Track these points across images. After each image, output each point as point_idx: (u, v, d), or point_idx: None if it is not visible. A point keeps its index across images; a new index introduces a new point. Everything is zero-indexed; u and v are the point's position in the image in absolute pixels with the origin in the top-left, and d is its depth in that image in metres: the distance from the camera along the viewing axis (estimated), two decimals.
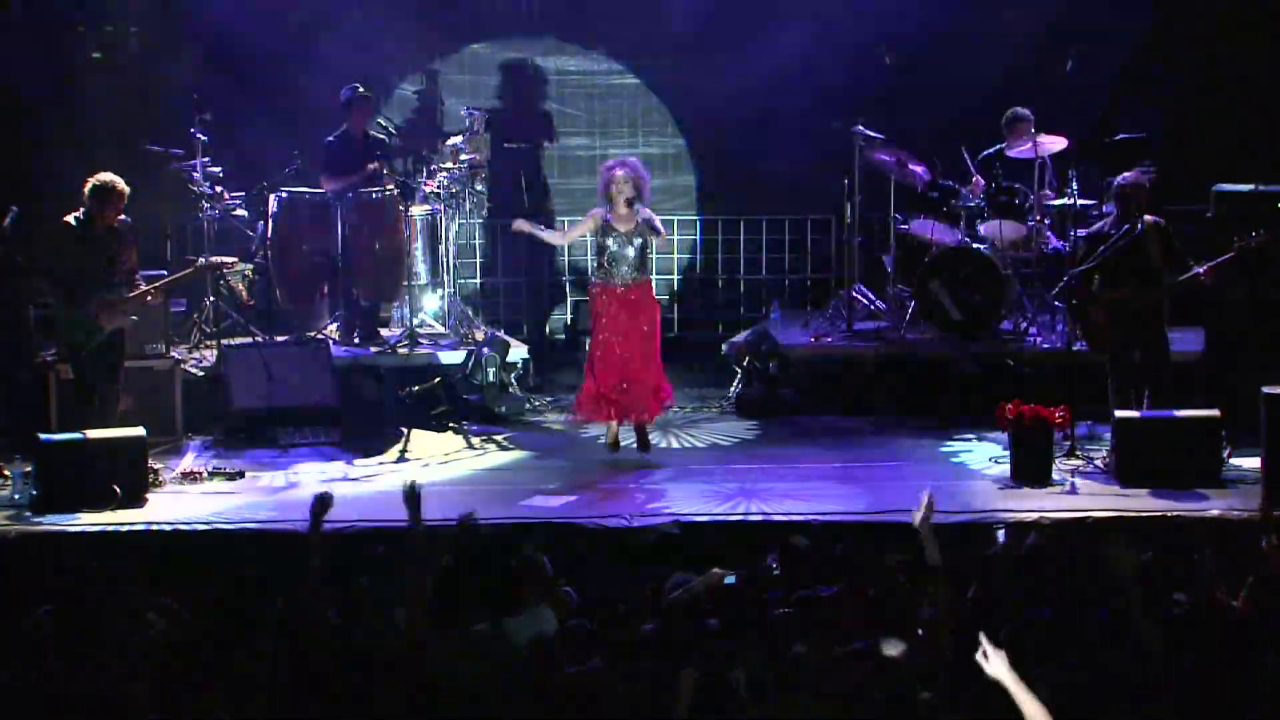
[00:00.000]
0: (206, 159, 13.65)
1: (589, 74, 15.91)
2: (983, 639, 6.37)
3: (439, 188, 14.01)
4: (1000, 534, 9.42)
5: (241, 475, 11.59)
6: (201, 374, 12.95)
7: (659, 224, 11.66)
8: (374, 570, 8.68)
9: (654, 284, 11.95)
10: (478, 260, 15.46)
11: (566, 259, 15.95)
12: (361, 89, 13.84)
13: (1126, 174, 11.71)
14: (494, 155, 14.63)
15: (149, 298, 11.47)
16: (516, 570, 8.62)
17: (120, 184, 11.18)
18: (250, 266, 13.89)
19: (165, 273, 12.37)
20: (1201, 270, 11.27)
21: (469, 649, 7.53)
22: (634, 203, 11.57)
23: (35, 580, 9.25)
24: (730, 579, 8.69)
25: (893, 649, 7.24)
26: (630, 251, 11.62)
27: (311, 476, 11.69)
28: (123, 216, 11.30)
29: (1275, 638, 7.41)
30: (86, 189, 11.16)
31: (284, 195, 13.64)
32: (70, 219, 11.22)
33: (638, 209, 11.60)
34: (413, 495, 7.84)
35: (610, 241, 11.61)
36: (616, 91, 15.94)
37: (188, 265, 12.50)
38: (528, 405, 13.48)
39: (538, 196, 15.59)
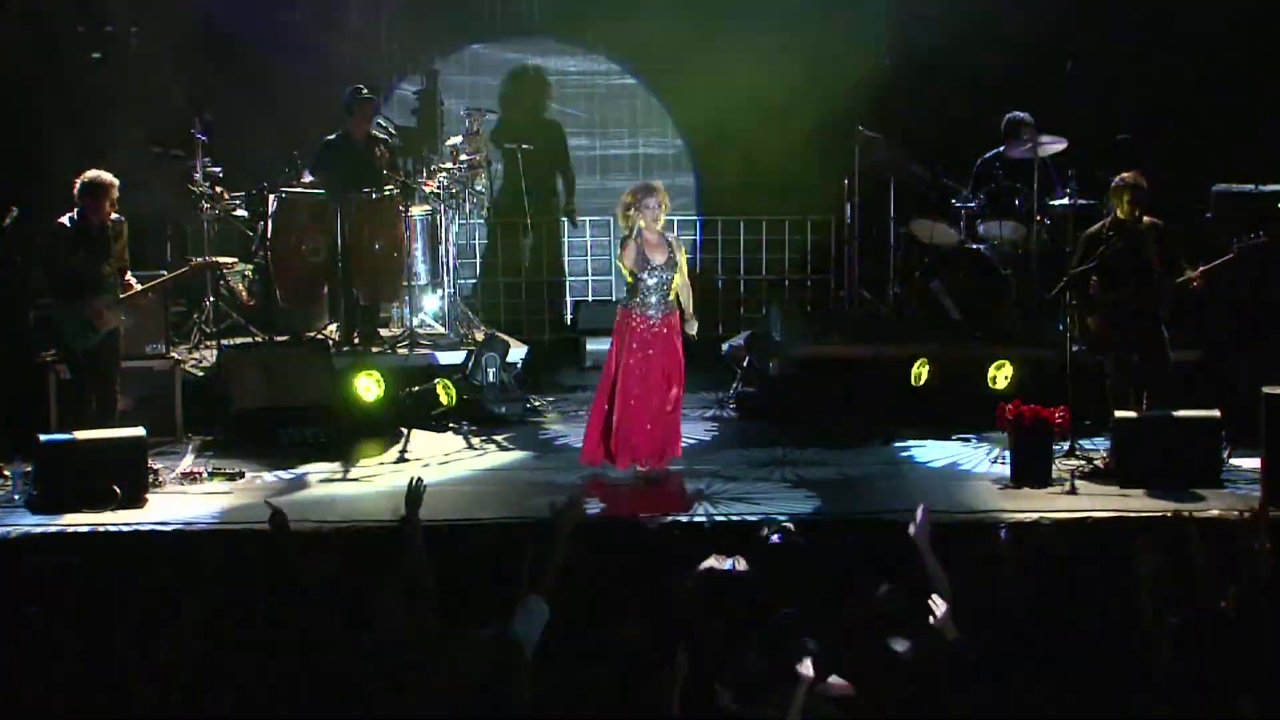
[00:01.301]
0: (206, 159, 13.65)
1: (589, 74, 15.92)
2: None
3: (439, 188, 14.01)
4: (1002, 533, 9.40)
5: (241, 475, 11.59)
6: (201, 374, 12.95)
7: (683, 250, 11.27)
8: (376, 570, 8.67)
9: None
10: (478, 260, 15.46)
11: (566, 259, 15.96)
12: (364, 90, 13.84)
13: (1125, 174, 11.71)
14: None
15: (143, 297, 11.45)
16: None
17: (108, 177, 11.16)
18: (250, 266, 13.89)
19: (164, 273, 12.38)
20: (1194, 275, 11.28)
21: (477, 657, 7.51)
22: (664, 229, 11.17)
23: (35, 580, 9.26)
24: (727, 565, 8.69)
25: (898, 647, 7.24)
26: (664, 282, 11.13)
27: (311, 477, 11.70)
28: (116, 215, 11.29)
29: (1264, 638, 7.41)
30: (77, 188, 11.14)
31: (284, 195, 13.64)
32: (65, 219, 11.21)
33: (667, 236, 11.23)
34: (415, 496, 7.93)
35: (645, 274, 11.10)
36: (617, 92, 15.96)
37: (184, 265, 12.50)
38: (528, 405, 13.48)
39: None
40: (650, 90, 15.89)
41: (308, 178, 13.71)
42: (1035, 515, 10.31)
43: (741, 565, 8.65)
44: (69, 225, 11.19)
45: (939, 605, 7.72)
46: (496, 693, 7.08)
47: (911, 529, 7.95)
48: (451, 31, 15.71)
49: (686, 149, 15.94)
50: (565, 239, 15.95)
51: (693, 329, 11.35)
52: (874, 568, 8.55)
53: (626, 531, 10.31)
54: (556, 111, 15.92)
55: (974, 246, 13.62)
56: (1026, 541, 9.22)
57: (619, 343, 11.22)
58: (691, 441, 12.60)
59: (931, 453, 12.21)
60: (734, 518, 10.47)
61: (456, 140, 14.30)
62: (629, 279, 11.18)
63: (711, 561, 8.59)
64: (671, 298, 11.18)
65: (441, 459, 12.27)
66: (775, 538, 9.10)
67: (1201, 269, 11.32)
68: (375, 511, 10.64)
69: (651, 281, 11.09)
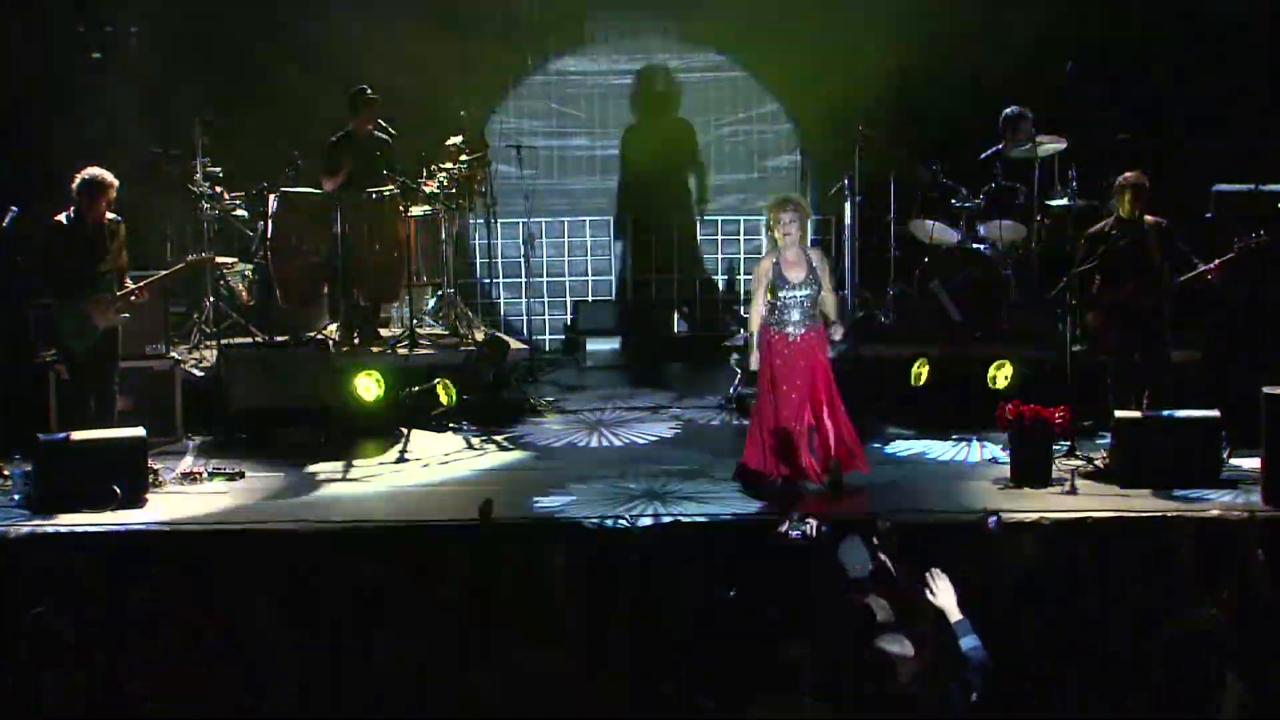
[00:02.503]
0: (206, 159, 13.64)
1: (590, 74, 15.91)
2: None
3: (439, 188, 14.00)
4: (991, 521, 9.31)
5: (241, 475, 11.59)
6: (201, 374, 12.95)
7: (826, 265, 10.90)
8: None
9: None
10: (478, 260, 15.46)
11: (566, 259, 15.95)
12: (368, 90, 13.85)
13: (1127, 174, 11.71)
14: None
15: (140, 295, 11.45)
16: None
17: (108, 176, 11.16)
18: (250, 266, 13.89)
19: (160, 272, 12.36)
20: (1210, 267, 11.28)
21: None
22: (804, 245, 10.90)
23: (35, 580, 9.26)
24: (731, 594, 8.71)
25: (896, 646, 7.25)
26: (803, 300, 10.81)
27: (312, 477, 11.70)
28: (112, 215, 11.29)
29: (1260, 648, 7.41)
30: (74, 185, 11.15)
31: (284, 195, 13.64)
32: (61, 218, 11.21)
33: (807, 251, 10.92)
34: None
35: (783, 293, 10.80)
36: (618, 92, 15.95)
37: (180, 262, 12.50)
38: (527, 405, 13.48)
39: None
40: (650, 92, 15.87)
41: (328, 184, 13.66)
42: (1035, 515, 10.31)
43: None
44: (65, 223, 11.19)
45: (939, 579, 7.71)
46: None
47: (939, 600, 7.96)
48: (452, 33, 15.69)
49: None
50: (567, 239, 15.95)
51: (838, 335, 11.10)
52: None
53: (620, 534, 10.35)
54: (557, 111, 15.92)
55: (974, 246, 13.62)
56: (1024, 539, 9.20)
57: (762, 363, 10.91)
58: (692, 440, 12.63)
59: (931, 452, 12.21)
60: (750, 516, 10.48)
61: (457, 140, 14.30)
62: (767, 297, 10.85)
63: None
64: (815, 313, 10.89)
65: (441, 459, 12.28)
66: (795, 534, 9.10)
67: (1205, 267, 11.32)
68: (375, 512, 10.70)
69: (789, 300, 10.79)
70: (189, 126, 13.64)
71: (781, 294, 10.80)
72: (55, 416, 11.86)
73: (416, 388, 13.09)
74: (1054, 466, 11.22)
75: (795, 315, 10.82)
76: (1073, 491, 10.98)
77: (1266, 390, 10.62)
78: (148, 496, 10.97)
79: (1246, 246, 11.24)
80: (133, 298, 11.41)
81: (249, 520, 10.56)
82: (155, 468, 11.36)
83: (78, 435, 10.96)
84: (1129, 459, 11.07)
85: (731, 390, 13.58)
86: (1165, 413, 11.22)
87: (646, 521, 10.39)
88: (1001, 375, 12.72)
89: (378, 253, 13.64)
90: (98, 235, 11.21)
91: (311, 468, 11.90)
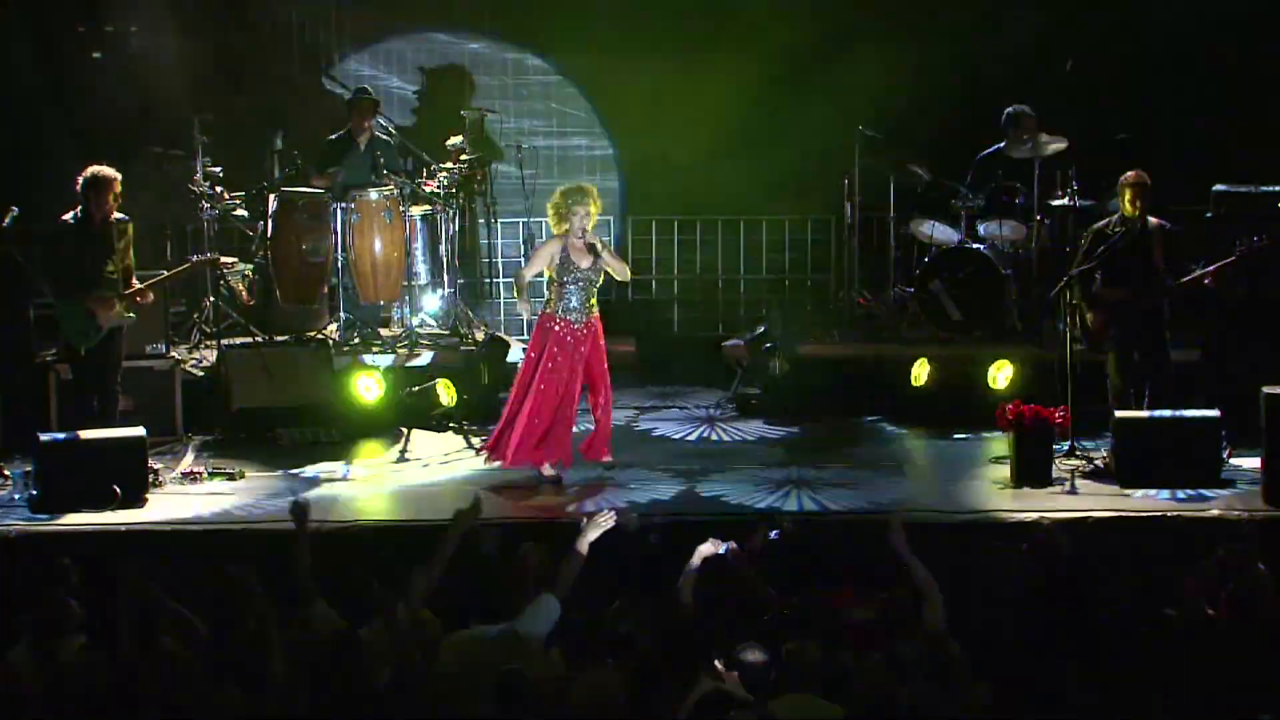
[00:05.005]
0: (206, 159, 13.65)
1: (590, 73, 15.90)
2: None
3: (439, 188, 14.01)
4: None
5: (242, 475, 11.59)
6: (201, 374, 12.95)
7: (608, 248, 11.14)
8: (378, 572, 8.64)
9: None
10: (478, 260, 15.47)
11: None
12: (368, 91, 13.85)
13: (1128, 173, 11.71)
14: None
15: (142, 296, 11.44)
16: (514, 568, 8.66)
17: (112, 173, 11.17)
18: (250, 266, 13.89)
19: (164, 272, 12.37)
20: (1206, 273, 11.28)
21: (478, 653, 7.52)
22: (590, 233, 11.09)
23: (35, 580, 9.25)
24: (722, 550, 8.70)
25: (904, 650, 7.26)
26: (586, 286, 11.10)
27: (311, 477, 11.69)
28: (120, 215, 11.30)
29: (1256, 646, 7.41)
30: (80, 183, 11.15)
31: (284, 195, 13.64)
32: (68, 217, 11.22)
33: (590, 239, 11.07)
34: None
35: (568, 279, 11.06)
36: (618, 92, 15.94)
37: (185, 262, 12.50)
38: None
39: None
40: (650, 91, 15.84)
41: (318, 181, 13.68)
42: (1035, 515, 10.31)
43: (732, 547, 8.67)
44: (72, 222, 11.20)
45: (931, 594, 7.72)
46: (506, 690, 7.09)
47: (894, 540, 7.98)
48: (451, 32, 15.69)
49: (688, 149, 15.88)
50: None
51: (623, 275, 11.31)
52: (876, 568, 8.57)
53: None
54: (556, 110, 15.91)
55: (974, 246, 13.62)
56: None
57: (538, 347, 11.14)
58: (692, 439, 12.63)
59: (931, 452, 12.21)
60: (733, 515, 10.48)
61: (457, 140, 14.30)
62: (549, 282, 11.16)
63: (707, 547, 8.61)
64: (592, 301, 11.16)
65: (441, 459, 12.27)
66: (773, 534, 9.12)
67: (1206, 270, 11.32)
68: (375, 512, 10.71)
69: (573, 286, 11.09)
70: (189, 126, 13.63)
71: (565, 280, 11.06)
72: (55, 416, 11.86)
73: (416, 388, 13.09)
74: (1054, 466, 11.22)
75: (575, 302, 11.08)
76: (1073, 491, 10.99)
77: (1266, 390, 10.62)
78: (148, 496, 10.98)
79: (1247, 249, 11.23)
80: (138, 298, 11.41)
81: (249, 520, 10.56)
82: (155, 468, 11.36)
83: (78, 435, 10.95)
84: (1129, 459, 11.07)
85: (733, 390, 13.59)
86: (1165, 412, 11.23)
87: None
88: (1002, 375, 12.72)
89: (378, 253, 13.64)
90: (105, 234, 11.22)
91: (311, 468, 11.90)
